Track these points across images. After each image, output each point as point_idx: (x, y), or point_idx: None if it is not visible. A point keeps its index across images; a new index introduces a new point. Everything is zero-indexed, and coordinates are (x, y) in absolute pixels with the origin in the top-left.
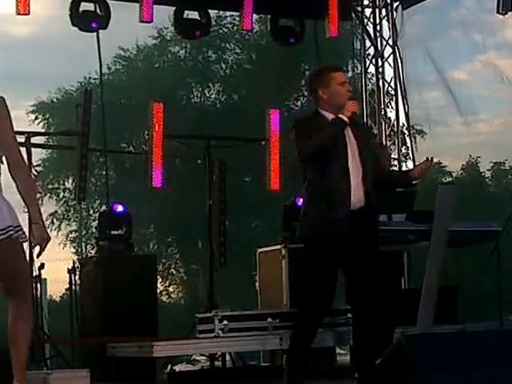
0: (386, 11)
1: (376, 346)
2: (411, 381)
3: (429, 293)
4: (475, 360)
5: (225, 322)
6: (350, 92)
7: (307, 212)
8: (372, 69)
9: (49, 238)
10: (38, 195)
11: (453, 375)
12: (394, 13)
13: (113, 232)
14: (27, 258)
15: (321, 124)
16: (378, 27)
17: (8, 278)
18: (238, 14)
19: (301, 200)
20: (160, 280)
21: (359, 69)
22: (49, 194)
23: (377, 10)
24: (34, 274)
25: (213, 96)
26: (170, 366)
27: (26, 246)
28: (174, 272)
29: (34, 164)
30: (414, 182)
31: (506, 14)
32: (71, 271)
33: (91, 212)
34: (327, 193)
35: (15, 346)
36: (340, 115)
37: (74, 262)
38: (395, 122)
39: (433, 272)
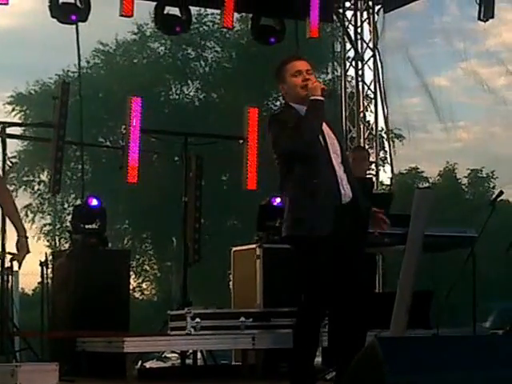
0: (368, 14)
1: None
2: None
3: (403, 297)
4: (448, 364)
5: (197, 319)
6: (306, 80)
7: (294, 212)
8: (352, 71)
9: (29, 251)
10: (13, 187)
11: (425, 379)
12: (376, 16)
13: (87, 226)
14: None
15: (295, 115)
16: (359, 30)
17: None
18: (218, 11)
19: (277, 200)
20: (133, 276)
21: (339, 71)
22: (23, 187)
23: (358, 13)
24: (6, 266)
25: (191, 93)
26: (140, 363)
27: None
28: (148, 268)
29: (9, 155)
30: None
31: (487, 21)
32: (43, 264)
33: (66, 206)
34: (317, 193)
35: None
36: (313, 97)
37: (46, 254)
38: (374, 126)
39: (408, 276)
